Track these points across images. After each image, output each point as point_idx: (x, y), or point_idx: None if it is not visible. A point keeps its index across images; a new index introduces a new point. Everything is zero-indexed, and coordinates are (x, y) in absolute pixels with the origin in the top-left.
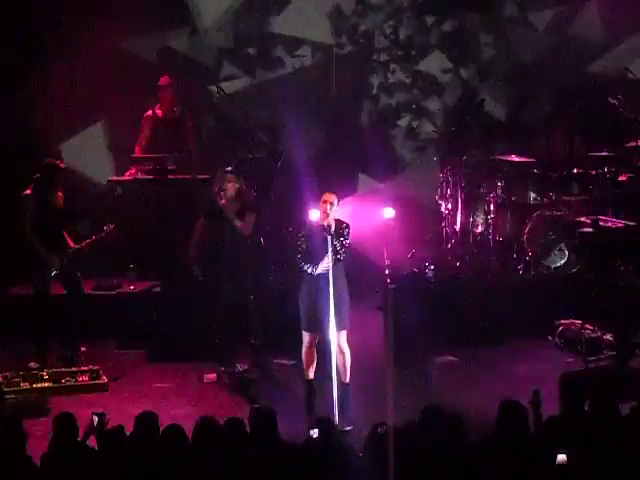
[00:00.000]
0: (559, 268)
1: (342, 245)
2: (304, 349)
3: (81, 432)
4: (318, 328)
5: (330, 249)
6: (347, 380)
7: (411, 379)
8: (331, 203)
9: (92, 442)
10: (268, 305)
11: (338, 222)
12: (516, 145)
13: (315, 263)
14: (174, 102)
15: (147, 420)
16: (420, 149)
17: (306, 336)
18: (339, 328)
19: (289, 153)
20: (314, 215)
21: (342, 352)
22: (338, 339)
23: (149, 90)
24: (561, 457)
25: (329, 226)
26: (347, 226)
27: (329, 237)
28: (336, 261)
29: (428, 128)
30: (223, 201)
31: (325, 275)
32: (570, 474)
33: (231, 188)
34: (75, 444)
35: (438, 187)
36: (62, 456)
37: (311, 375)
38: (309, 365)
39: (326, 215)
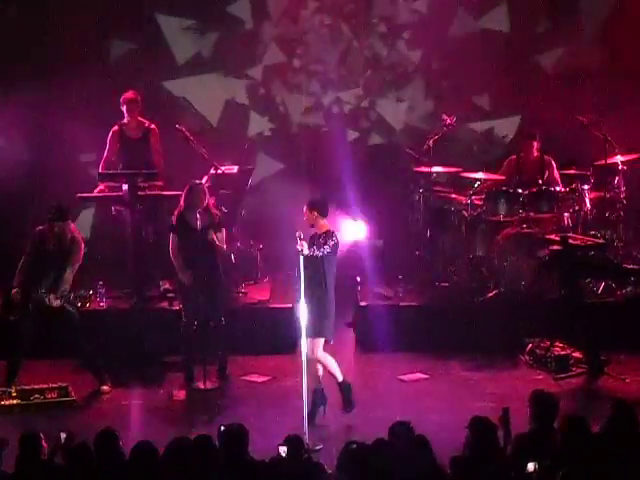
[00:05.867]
0: (529, 286)
1: (314, 252)
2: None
3: (47, 449)
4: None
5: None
6: (340, 379)
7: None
8: (304, 214)
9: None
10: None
11: (316, 232)
12: (487, 163)
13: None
14: (141, 116)
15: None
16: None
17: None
18: (310, 334)
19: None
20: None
21: (319, 362)
22: (311, 347)
23: None
24: (530, 466)
25: (299, 236)
26: (326, 235)
27: (298, 247)
28: (308, 268)
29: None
30: (198, 222)
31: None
32: None
33: (202, 200)
34: (41, 463)
35: (408, 205)
36: (29, 476)
37: (313, 384)
38: (310, 373)
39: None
